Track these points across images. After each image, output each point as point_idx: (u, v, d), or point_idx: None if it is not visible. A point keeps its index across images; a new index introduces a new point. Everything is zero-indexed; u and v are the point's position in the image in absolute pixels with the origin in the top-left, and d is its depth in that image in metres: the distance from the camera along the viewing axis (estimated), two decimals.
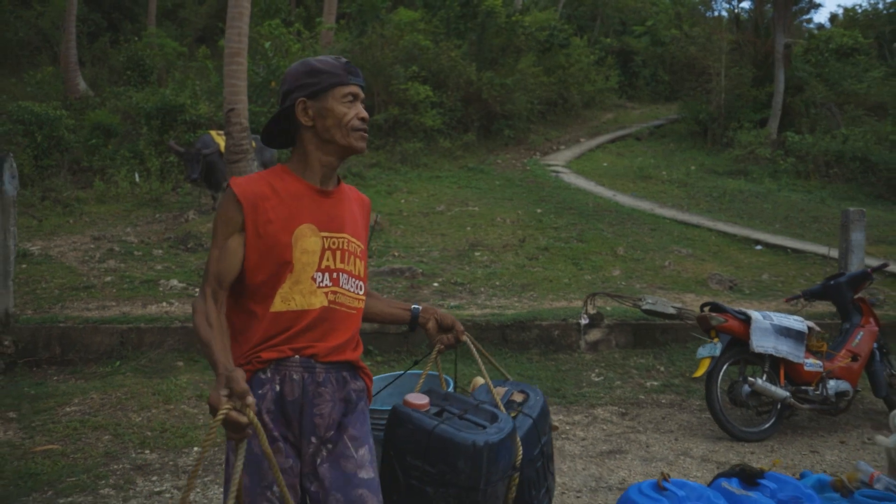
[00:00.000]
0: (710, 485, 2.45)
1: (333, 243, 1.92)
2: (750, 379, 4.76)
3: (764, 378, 4.79)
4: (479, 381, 2.58)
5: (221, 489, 3.78)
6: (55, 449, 4.24)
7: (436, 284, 8.06)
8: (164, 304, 6.98)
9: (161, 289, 7.43)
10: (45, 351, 5.96)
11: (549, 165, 17.33)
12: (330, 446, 1.87)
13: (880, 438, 3.45)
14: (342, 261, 1.94)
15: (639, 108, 25.82)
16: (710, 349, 4.77)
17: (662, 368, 6.26)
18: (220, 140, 10.06)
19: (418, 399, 2.15)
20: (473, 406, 2.21)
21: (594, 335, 6.60)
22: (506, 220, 11.48)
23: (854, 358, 5.10)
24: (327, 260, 1.90)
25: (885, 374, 5.18)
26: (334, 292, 1.91)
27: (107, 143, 13.58)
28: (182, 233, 9.55)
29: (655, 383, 5.94)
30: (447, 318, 2.27)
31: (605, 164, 18.30)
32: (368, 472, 1.87)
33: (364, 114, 1.92)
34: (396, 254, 9.29)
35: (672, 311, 6.01)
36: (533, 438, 2.31)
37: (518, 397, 2.46)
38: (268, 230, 1.84)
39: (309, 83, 1.89)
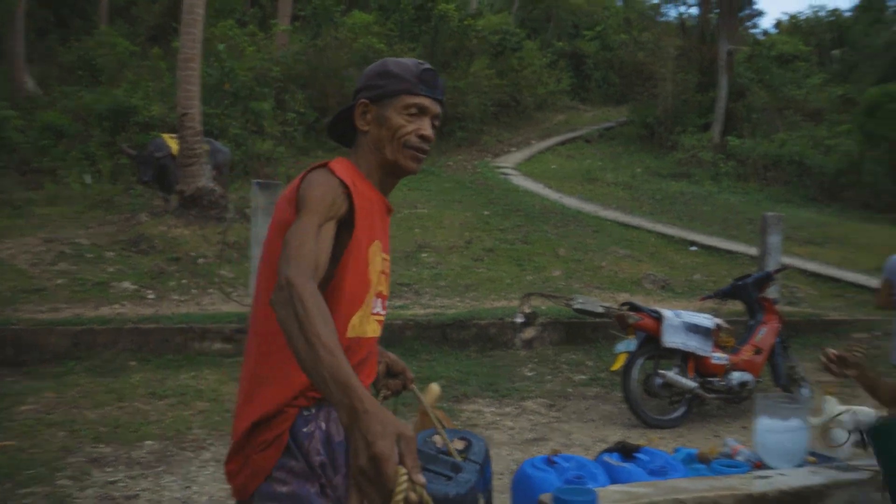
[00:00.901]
0: (594, 459, 2.87)
1: (386, 266, 1.72)
2: (662, 372, 5.24)
3: (675, 371, 5.28)
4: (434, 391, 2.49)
5: (175, 480, 4.08)
6: (12, 445, 4.48)
7: None
8: (117, 305, 7.19)
9: (113, 291, 7.62)
10: None
11: (500, 168, 17.79)
12: None
13: (810, 419, 3.93)
14: (386, 285, 1.74)
15: (590, 111, 26.49)
16: (627, 345, 5.24)
17: (591, 363, 6.74)
18: (173, 143, 10.22)
19: None
20: (433, 457, 2.23)
21: (529, 333, 7.04)
22: (454, 222, 11.88)
23: (757, 351, 5.63)
24: (381, 284, 1.68)
25: (784, 366, 5.73)
26: (380, 321, 1.71)
27: (57, 143, 13.55)
28: (134, 235, 9.69)
29: (583, 377, 6.41)
30: (398, 364, 1.99)
31: (553, 167, 18.85)
32: None
33: (427, 132, 1.66)
34: None
35: (601, 310, 6.47)
36: (481, 484, 2.35)
37: (460, 444, 2.47)
38: (358, 236, 1.57)
39: (376, 85, 1.67)
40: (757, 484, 2.35)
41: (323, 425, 1.55)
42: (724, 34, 22.98)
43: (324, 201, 1.48)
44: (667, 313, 5.34)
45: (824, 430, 3.74)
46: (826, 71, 31.44)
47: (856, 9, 38.56)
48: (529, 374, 6.41)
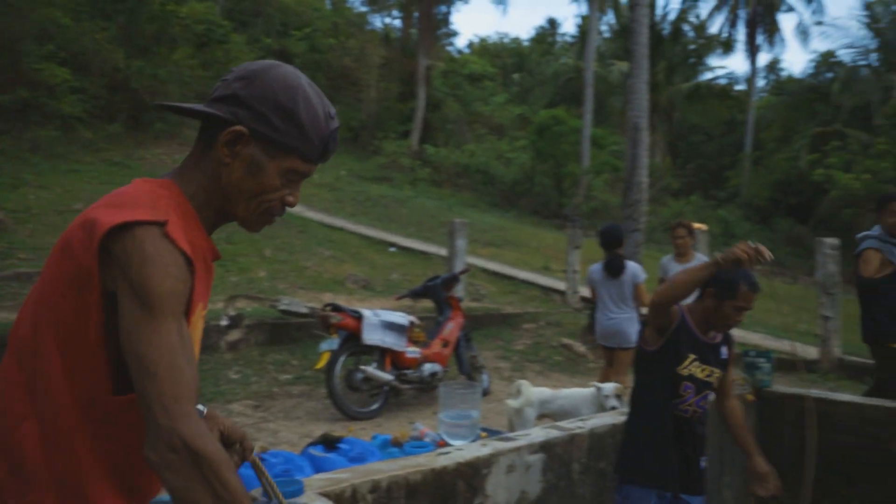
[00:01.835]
0: (300, 453, 3.09)
1: (202, 323, 1.36)
2: (362, 367, 5.65)
3: (374, 366, 5.72)
4: None
5: None
6: None
7: None
8: None
9: None
10: None
11: None
12: None
13: (509, 402, 4.51)
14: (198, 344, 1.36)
15: None
16: (330, 343, 5.54)
17: (296, 363, 6.94)
18: None
19: None
20: None
21: (234, 335, 7.01)
22: None
23: (445, 344, 6.33)
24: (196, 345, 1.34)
25: (467, 356, 6.52)
26: None
27: None
28: None
29: (289, 377, 6.58)
30: (235, 432, 1.51)
31: None
32: None
33: (294, 200, 1.32)
34: (23, 256, 8.56)
35: (305, 310, 6.71)
36: None
37: None
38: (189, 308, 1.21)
39: (274, 126, 1.23)
40: (440, 459, 2.76)
41: None
42: (424, 50, 24.77)
43: (176, 296, 1.13)
44: (366, 313, 5.76)
45: (519, 411, 4.42)
46: (508, 91, 35.51)
47: (532, 39, 44.19)
48: (235, 376, 6.40)
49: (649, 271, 11.02)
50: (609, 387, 4.36)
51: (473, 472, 2.82)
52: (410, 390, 6.07)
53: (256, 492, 1.96)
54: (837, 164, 19.13)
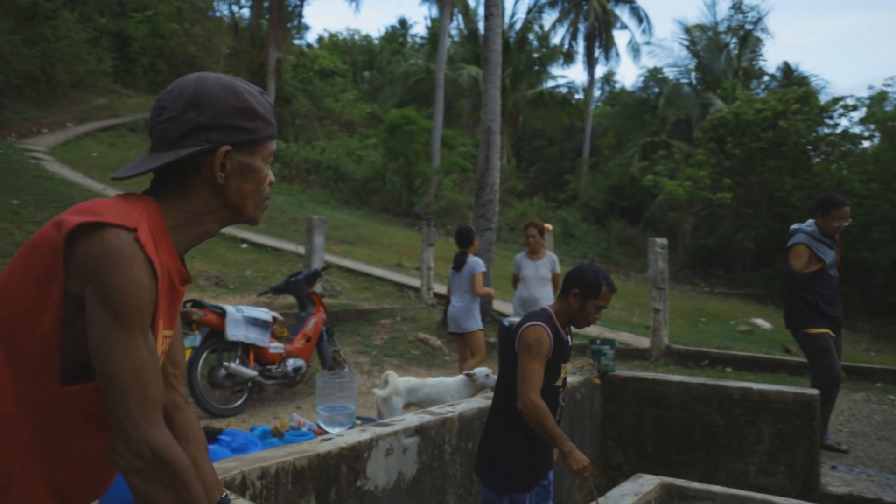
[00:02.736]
0: None
1: (166, 344, 1.36)
2: (225, 363, 5.57)
3: (237, 362, 5.65)
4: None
5: None
6: None
7: None
8: None
9: None
10: None
11: (29, 151, 15.73)
12: None
13: (377, 391, 4.59)
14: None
15: (135, 97, 25.04)
16: (192, 340, 5.41)
17: None
18: None
19: None
20: None
21: None
22: None
23: (308, 339, 6.36)
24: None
25: (330, 351, 6.59)
26: None
27: None
28: None
29: None
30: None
31: (95, 154, 17.44)
32: None
33: (273, 178, 1.40)
34: None
35: None
36: None
37: None
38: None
39: (243, 127, 1.29)
40: (323, 446, 2.86)
41: None
42: (274, 42, 24.19)
43: (145, 307, 1.16)
44: (229, 309, 5.68)
45: (387, 400, 4.57)
46: (358, 89, 35.52)
47: (383, 38, 44.42)
48: None
49: (503, 268, 11.59)
50: (481, 370, 4.66)
51: (355, 456, 2.96)
52: (273, 386, 6.05)
53: None
54: (664, 171, 20.97)
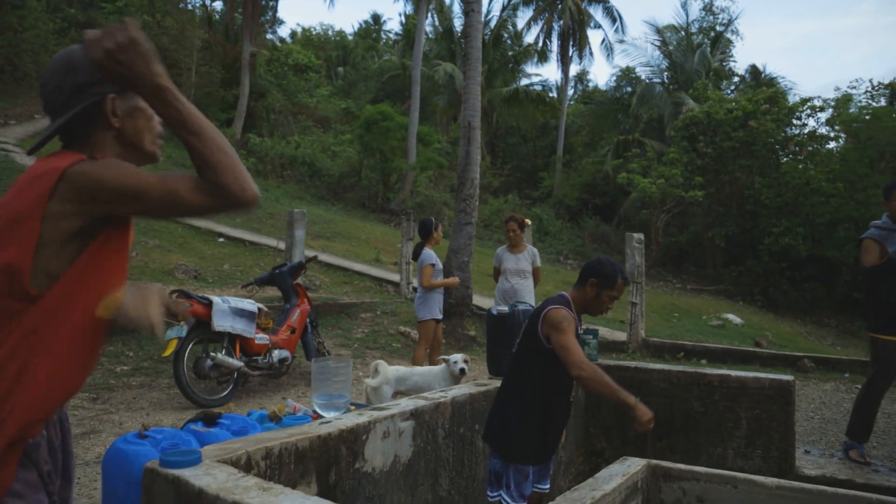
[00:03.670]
0: (182, 429, 3.10)
1: None
2: (212, 354, 5.58)
3: (223, 352, 5.67)
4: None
5: None
6: None
7: None
8: None
9: None
10: None
11: None
12: (66, 482, 1.66)
13: (367, 381, 4.65)
14: None
15: None
16: (178, 331, 5.41)
17: (132, 354, 6.65)
18: None
19: None
20: None
21: None
22: None
23: (292, 331, 6.39)
24: None
25: (314, 342, 6.63)
26: None
27: None
28: None
29: (126, 368, 6.30)
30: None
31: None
32: None
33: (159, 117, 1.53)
34: None
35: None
36: None
37: None
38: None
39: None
40: (323, 428, 2.92)
41: (45, 433, 1.51)
42: (248, 36, 24.01)
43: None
44: (216, 299, 5.69)
45: (377, 389, 4.64)
46: (332, 84, 35.36)
47: (357, 34, 44.27)
48: None
49: (480, 263, 11.69)
50: (457, 356, 4.75)
51: (354, 438, 3.03)
52: (259, 377, 6.07)
53: None
54: (637, 169, 21.25)
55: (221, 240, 12.81)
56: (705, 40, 28.44)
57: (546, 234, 24.19)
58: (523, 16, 31.58)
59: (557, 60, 30.78)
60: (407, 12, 32.82)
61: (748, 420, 4.49)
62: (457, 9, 30.72)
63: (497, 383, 3.55)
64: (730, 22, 29.12)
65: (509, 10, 29.48)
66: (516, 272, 6.41)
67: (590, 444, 5.00)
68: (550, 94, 30.89)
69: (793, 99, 22.33)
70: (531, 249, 6.56)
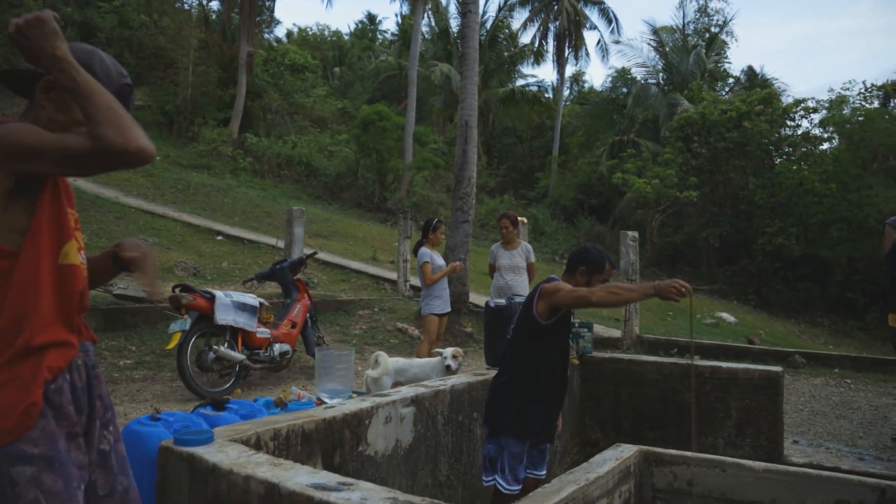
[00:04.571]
0: (192, 412, 3.22)
1: None
2: (214, 347, 5.68)
3: (226, 346, 5.78)
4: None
5: None
6: None
7: None
8: None
9: None
10: None
11: None
12: (111, 428, 1.76)
13: (368, 372, 4.77)
14: None
15: None
16: (181, 324, 5.52)
17: (134, 348, 6.75)
18: None
19: None
20: None
21: None
22: None
23: (293, 325, 6.50)
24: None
25: (314, 337, 6.74)
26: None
27: None
28: None
29: (129, 362, 6.40)
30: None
31: None
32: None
33: None
34: None
35: (143, 294, 6.55)
36: None
37: None
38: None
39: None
40: (328, 412, 3.04)
41: (68, 377, 1.61)
42: (245, 36, 24.07)
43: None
44: (218, 293, 5.79)
45: (377, 380, 4.76)
46: (329, 85, 35.43)
47: (353, 34, 44.35)
48: None
49: (476, 262, 11.78)
50: (448, 350, 4.87)
51: (358, 422, 3.14)
52: (260, 370, 6.18)
53: None
54: (632, 169, 21.39)
55: (220, 238, 12.90)
56: (700, 42, 28.61)
57: (542, 234, 24.33)
58: (519, 17, 31.71)
59: (553, 61, 30.96)
60: (403, 13, 32.98)
61: (738, 410, 4.62)
62: (453, 9, 30.86)
63: (494, 373, 3.66)
64: (724, 24, 29.30)
65: (505, 11, 29.61)
66: (510, 268, 6.55)
67: (585, 434, 5.12)
68: (546, 95, 31.02)
69: (786, 100, 22.50)
70: (525, 246, 6.70)
